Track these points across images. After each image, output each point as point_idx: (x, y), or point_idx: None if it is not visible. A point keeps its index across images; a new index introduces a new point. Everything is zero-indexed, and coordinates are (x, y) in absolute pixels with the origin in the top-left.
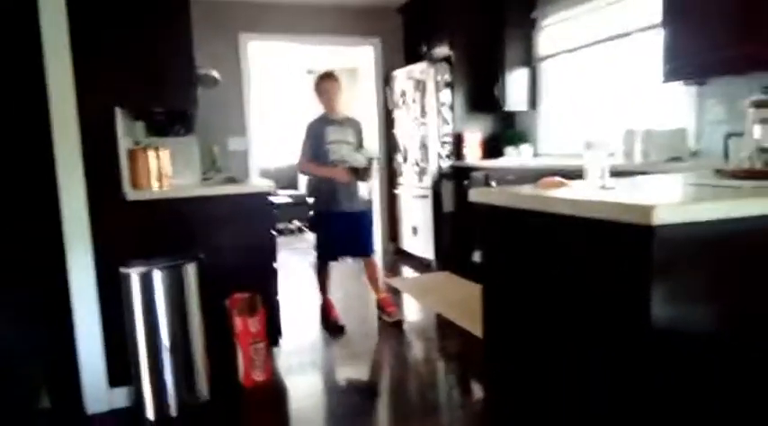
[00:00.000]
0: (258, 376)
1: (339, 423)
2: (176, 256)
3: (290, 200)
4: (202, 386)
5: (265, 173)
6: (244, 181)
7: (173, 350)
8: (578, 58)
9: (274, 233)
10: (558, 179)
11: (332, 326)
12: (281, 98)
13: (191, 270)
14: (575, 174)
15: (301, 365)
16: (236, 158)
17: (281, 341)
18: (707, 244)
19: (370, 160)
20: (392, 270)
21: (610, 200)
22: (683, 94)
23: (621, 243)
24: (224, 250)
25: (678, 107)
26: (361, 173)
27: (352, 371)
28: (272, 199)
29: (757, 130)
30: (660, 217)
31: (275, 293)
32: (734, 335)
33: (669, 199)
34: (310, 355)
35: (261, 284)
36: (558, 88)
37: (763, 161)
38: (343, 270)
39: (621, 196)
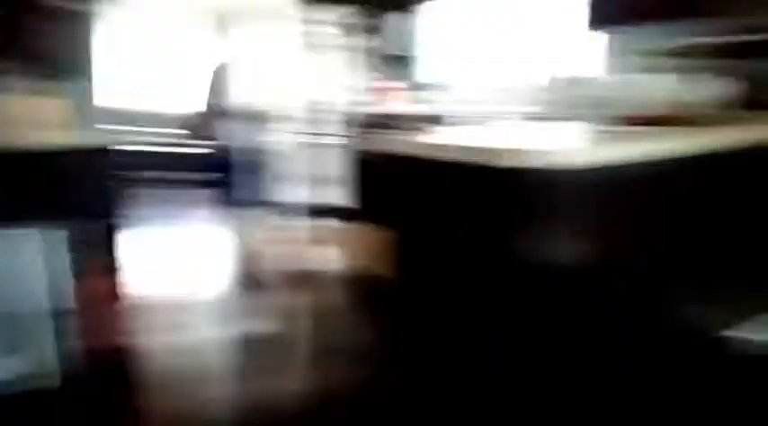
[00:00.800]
0: (125, 339)
1: (242, 376)
2: (18, 218)
3: (156, 147)
4: (52, 356)
5: (121, 117)
6: (84, 130)
7: (18, 320)
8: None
9: (132, 189)
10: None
11: (246, 277)
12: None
13: (35, 236)
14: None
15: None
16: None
17: (159, 300)
18: (602, 185)
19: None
20: (309, 220)
21: (505, 146)
22: (594, 43)
23: (520, 186)
24: (74, 209)
25: (588, 55)
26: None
27: (256, 323)
28: (132, 147)
29: (664, 79)
30: (557, 161)
31: (141, 251)
32: (619, 270)
33: (566, 144)
34: (210, 308)
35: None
36: (475, 32)
37: (666, 109)
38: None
39: (518, 141)
